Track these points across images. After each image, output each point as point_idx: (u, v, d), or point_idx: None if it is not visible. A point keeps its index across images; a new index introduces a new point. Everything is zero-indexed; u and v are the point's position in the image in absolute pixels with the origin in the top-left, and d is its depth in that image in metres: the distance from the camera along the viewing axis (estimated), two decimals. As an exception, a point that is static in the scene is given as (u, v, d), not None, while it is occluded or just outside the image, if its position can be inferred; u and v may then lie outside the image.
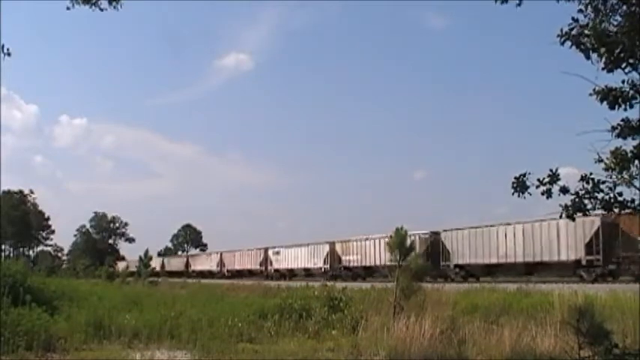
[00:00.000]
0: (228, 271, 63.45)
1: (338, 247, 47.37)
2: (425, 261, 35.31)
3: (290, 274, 52.04)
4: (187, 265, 74.39)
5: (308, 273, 48.70)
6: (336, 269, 46.77)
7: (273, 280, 43.86)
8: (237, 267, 62.13)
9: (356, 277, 42.50)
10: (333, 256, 47.89)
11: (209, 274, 64.07)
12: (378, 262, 40.18)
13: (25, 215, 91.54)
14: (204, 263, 71.60)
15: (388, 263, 14.39)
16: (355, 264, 44.64)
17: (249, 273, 58.60)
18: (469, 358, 9.05)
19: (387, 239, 13.55)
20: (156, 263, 75.52)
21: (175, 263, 79.02)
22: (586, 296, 13.39)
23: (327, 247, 48.60)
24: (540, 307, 13.53)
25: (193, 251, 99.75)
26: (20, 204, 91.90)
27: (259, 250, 59.35)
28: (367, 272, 42.72)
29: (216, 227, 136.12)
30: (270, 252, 57.04)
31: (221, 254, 67.43)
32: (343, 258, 46.33)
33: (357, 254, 44.53)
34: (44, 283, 16.92)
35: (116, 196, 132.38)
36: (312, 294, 16.21)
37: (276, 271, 54.86)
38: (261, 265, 57.97)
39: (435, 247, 38.48)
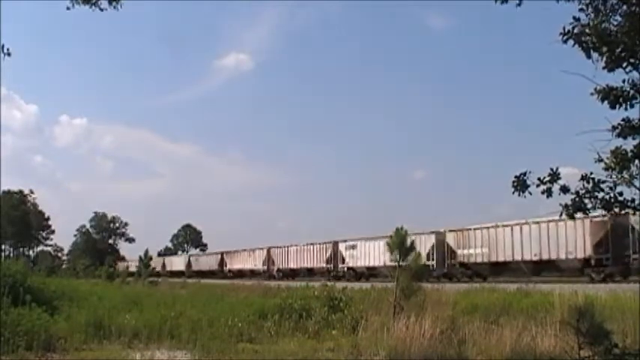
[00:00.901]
0: (279, 270, 52.51)
1: (450, 239, 36.86)
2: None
3: (370, 272, 41.22)
4: (222, 263, 63.71)
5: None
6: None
7: (349, 282, 33.26)
8: (293, 265, 51.07)
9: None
10: (446, 250, 37.06)
11: (251, 274, 54.65)
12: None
13: (25, 215, 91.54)
14: (245, 261, 59.63)
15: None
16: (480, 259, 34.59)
17: (310, 272, 47.61)
18: (469, 358, 9.05)
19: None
20: (178, 262, 74.57)
21: (206, 261, 68.78)
22: (586, 296, 13.38)
23: (432, 238, 37.26)
24: (540, 307, 13.53)
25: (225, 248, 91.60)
26: (20, 204, 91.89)
27: (325, 245, 47.69)
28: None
29: (216, 227, 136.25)
30: (341, 246, 45.56)
31: (268, 250, 55.30)
32: (459, 252, 36.18)
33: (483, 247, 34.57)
34: (44, 283, 16.91)
35: (116, 196, 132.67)
36: (312, 294, 16.20)
37: (350, 269, 44.14)
38: (328, 262, 46.62)
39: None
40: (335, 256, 46.31)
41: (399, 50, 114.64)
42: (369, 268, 41.89)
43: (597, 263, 28.49)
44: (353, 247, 44.29)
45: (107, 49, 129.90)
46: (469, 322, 10.95)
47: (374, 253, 40.38)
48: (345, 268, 44.86)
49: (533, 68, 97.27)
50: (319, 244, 48.57)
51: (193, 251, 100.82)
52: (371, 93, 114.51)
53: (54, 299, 15.13)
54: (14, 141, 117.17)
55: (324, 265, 47.04)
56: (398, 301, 11.57)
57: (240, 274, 57.27)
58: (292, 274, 49.44)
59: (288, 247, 52.93)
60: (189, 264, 71.06)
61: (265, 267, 55.14)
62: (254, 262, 57.64)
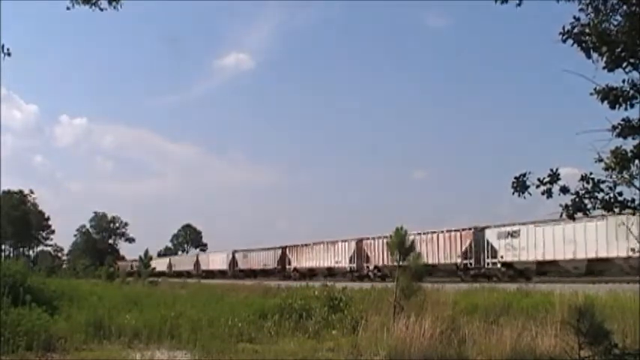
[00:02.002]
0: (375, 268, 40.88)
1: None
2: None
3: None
4: (284, 261, 52.11)
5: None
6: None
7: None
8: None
9: None
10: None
11: (329, 273, 42.46)
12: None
13: (25, 215, 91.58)
14: (320, 257, 46.21)
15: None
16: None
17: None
18: (469, 358, 9.05)
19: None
20: (219, 260, 62.49)
21: (259, 258, 57.17)
22: (586, 296, 13.38)
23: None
24: (540, 307, 13.52)
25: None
26: (20, 204, 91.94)
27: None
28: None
29: (216, 227, 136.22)
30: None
31: (359, 243, 41.63)
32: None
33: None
34: (44, 283, 16.91)
35: (116, 196, 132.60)
36: (312, 294, 16.19)
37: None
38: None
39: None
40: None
41: (399, 50, 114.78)
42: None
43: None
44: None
45: (107, 49, 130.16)
46: (469, 322, 10.95)
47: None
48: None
49: (534, 68, 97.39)
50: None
51: (193, 251, 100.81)
52: (371, 93, 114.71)
53: (54, 299, 15.13)
54: (14, 141, 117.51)
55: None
56: (398, 301, 11.57)
57: (311, 273, 44.35)
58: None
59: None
60: (233, 261, 59.88)
61: (354, 264, 41.52)
62: (335, 257, 43.83)
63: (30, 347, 10.05)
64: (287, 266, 50.98)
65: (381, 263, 38.10)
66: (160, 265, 74.82)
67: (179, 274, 64.31)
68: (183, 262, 70.70)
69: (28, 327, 10.43)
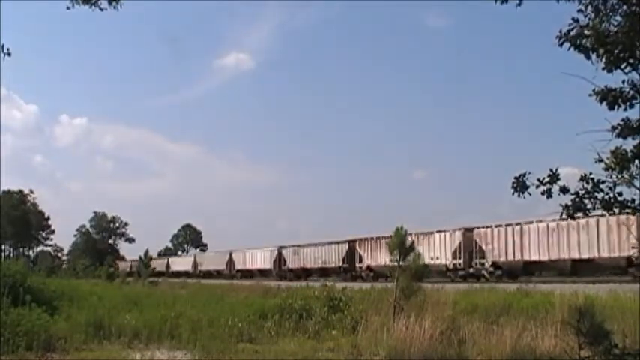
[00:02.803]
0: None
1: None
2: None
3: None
4: (353, 258, 42.63)
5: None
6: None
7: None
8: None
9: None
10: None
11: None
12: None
13: (25, 215, 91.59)
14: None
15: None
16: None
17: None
18: (469, 358, 9.05)
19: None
20: (260, 257, 54.93)
21: (318, 254, 46.97)
22: (586, 296, 13.38)
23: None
24: (540, 307, 13.52)
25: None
26: (20, 204, 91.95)
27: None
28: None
29: (216, 227, 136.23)
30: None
31: (466, 233, 34.65)
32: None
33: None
34: (44, 283, 16.89)
35: (116, 196, 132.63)
36: (312, 294, 16.19)
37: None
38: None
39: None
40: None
41: (398, 50, 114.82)
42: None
43: None
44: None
45: (107, 49, 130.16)
46: (469, 322, 10.96)
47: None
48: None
49: (534, 68, 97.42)
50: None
51: (193, 250, 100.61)
52: (371, 92, 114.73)
53: (54, 299, 15.12)
54: (14, 141, 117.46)
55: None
56: (398, 301, 11.58)
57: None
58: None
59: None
60: (279, 259, 51.48)
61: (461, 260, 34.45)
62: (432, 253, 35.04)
63: (30, 347, 10.05)
64: (357, 264, 41.63)
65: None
66: (179, 264, 72.16)
67: (207, 275, 58.74)
68: (213, 260, 63.96)
69: (28, 327, 10.43)
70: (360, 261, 41.66)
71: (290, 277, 44.95)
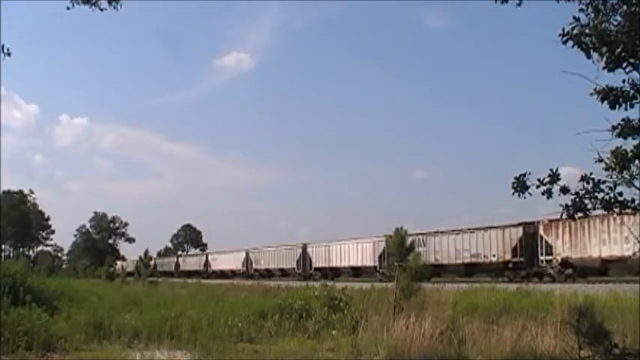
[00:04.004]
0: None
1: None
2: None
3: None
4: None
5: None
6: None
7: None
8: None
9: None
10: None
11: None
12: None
13: (25, 215, 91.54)
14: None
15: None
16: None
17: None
18: (469, 358, 9.04)
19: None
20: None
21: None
22: (586, 296, 13.39)
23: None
24: (540, 307, 13.53)
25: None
26: (20, 204, 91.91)
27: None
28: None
29: (217, 227, 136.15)
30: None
31: None
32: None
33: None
34: (44, 283, 16.90)
35: (116, 196, 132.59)
36: (312, 294, 16.19)
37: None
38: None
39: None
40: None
41: (399, 50, 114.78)
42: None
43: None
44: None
45: (107, 48, 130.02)
46: (469, 322, 10.95)
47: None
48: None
49: (534, 68, 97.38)
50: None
51: (193, 250, 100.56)
52: (371, 92, 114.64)
53: (54, 299, 15.14)
54: (14, 141, 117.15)
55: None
56: (398, 301, 11.58)
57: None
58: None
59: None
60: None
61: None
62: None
63: (30, 347, 10.06)
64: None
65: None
66: (189, 264, 69.10)
67: (220, 274, 56.90)
68: (226, 259, 60.26)
69: (28, 327, 10.43)
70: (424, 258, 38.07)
71: (316, 278, 41.08)
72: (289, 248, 49.83)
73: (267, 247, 53.69)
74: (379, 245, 36.67)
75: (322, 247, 45.87)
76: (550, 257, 29.28)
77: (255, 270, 53.17)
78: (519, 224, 31.64)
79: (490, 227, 32.92)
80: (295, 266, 47.93)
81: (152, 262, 74.08)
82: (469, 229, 34.31)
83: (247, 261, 55.28)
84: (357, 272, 41.71)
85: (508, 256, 31.48)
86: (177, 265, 72.11)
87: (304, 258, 47.44)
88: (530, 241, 30.64)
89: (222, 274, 56.38)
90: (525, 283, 25.34)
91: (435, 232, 35.86)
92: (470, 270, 34.04)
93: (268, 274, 50.52)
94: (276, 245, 52.45)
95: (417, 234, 34.05)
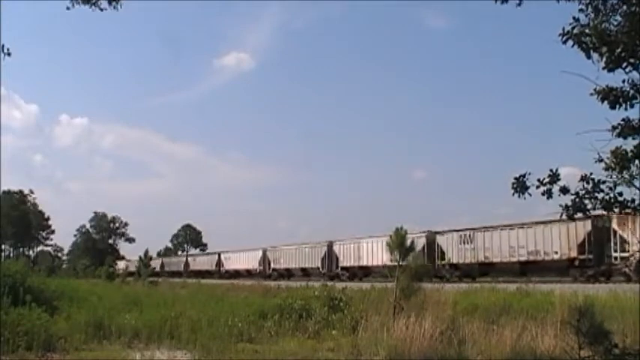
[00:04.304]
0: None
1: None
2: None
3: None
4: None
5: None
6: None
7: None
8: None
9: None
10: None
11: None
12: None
13: (25, 215, 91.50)
14: None
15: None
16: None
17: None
18: (469, 358, 9.05)
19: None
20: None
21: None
22: (586, 296, 13.39)
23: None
24: (540, 307, 13.53)
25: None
26: (20, 204, 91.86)
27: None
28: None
29: (217, 227, 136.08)
30: None
31: None
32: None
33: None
34: (44, 283, 16.91)
35: (116, 196, 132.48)
36: (312, 294, 16.20)
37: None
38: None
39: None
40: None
41: (399, 50, 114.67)
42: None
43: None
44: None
45: (107, 48, 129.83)
46: (469, 322, 10.95)
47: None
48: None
49: (534, 68, 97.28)
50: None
51: (193, 251, 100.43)
52: (371, 92, 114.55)
53: (54, 299, 15.14)
54: (14, 141, 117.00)
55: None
56: (398, 301, 11.58)
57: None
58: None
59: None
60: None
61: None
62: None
63: (30, 347, 10.05)
64: (438, 261, 35.85)
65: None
66: (199, 263, 66.52)
67: (234, 275, 53.90)
68: (241, 258, 57.72)
69: (28, 327, 10.43)
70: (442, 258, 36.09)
71: (344, 278, 39.46)
72: (313, 246, 46.93)
73: (286, 245, 51.05)
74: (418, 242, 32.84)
75: (351, 245, 42.92)
76: (626, 254, 25.78)
77: (274, 270, 50.50)
78: (587, 217, 28.71)
79: (552, 221, 27.86)
80: (320, 265, 45.08)
81: (160, 261, 74.06)
82: (524, 223, 31.47)
83: (264, 260, 52.74)
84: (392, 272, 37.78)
85: (574, 253, 28.60)
86: (187, 264, 69.80)
87: (330, 256, 44.60)
88: (600, 235, 27.63)
89: (237, 274, 53.75)
90: (592, 281, 24.30)
91: (484, 228, 33.72)
92: (526, 268, 31.24)
93: (288, 273, 47.94)
94: (298, 243, 49.50)
95: (465, 229, 34.37)
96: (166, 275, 61.21)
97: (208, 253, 69.47)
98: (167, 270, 70.14)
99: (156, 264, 67.95)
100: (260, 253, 53.89)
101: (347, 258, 43.44)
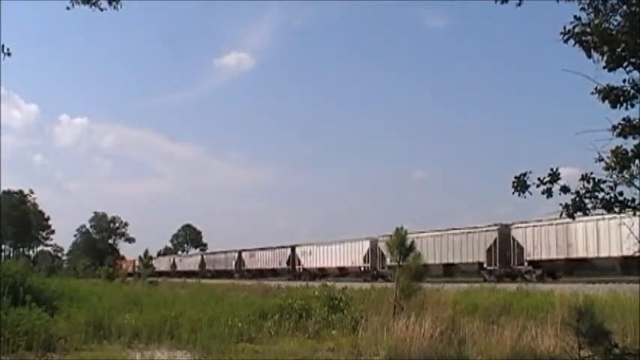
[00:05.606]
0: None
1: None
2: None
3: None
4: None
5: None
6: None
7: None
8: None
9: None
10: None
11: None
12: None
13: (25, 215, 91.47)
14: None
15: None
16: None
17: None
18: (469, 358, 9.05)
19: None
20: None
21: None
22: (586, 296, 13.39)
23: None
24: (540, 307, 13.53)
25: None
26: (20, 204, 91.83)
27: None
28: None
29: (217, 227, 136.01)
30: None
31: None
32: None
33: None
34: (44, 283, 16.90)
35: (116, 196, 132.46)
36: (312, 294, 16.19)
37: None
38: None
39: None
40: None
41: (399, 50, 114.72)
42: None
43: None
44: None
45: (107, 48, 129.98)
46: (469, 322, 10.96)
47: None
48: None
49: (534, 68, 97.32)
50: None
51: (193, 251, 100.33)
52: (371, 92, 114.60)
53: (54, 299, 15.12)
54: (14, 141, 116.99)
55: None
56: (398, 301, 11.58)
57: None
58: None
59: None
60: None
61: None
62: None
63: (30, 347, 10.05)
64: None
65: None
66: (216, 262, 62.25)
67: (258, 274, 50.49)
68: (265, 256, 53.94)
69: (28, 327, 10.42)
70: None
71: (376, 278, 36.10)
72: (354, 241, 42.62)
73: (320, 242, 46.73)
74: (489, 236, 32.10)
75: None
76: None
77: (305, 269, 46.36)
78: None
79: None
80: (361, 263, 40.93)
81: (179, 261, 71.53)
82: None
83: (293, 258, 48.86)
84: (448, 271, 34.57)
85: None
86: (203, 263, 65.02)
87: (374, 254, 39.70)
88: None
89: (260, 274, 50.00)
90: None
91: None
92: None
93: (321, 273, 43.06)
94: (339, 240, 44.84)
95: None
96: (177, 276, 55.77)
97: (227, 251, 62.96)
98: (179, 270, 65.60)
99: (163, 264, 67.38)
100: (288, 251, 50.00)
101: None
